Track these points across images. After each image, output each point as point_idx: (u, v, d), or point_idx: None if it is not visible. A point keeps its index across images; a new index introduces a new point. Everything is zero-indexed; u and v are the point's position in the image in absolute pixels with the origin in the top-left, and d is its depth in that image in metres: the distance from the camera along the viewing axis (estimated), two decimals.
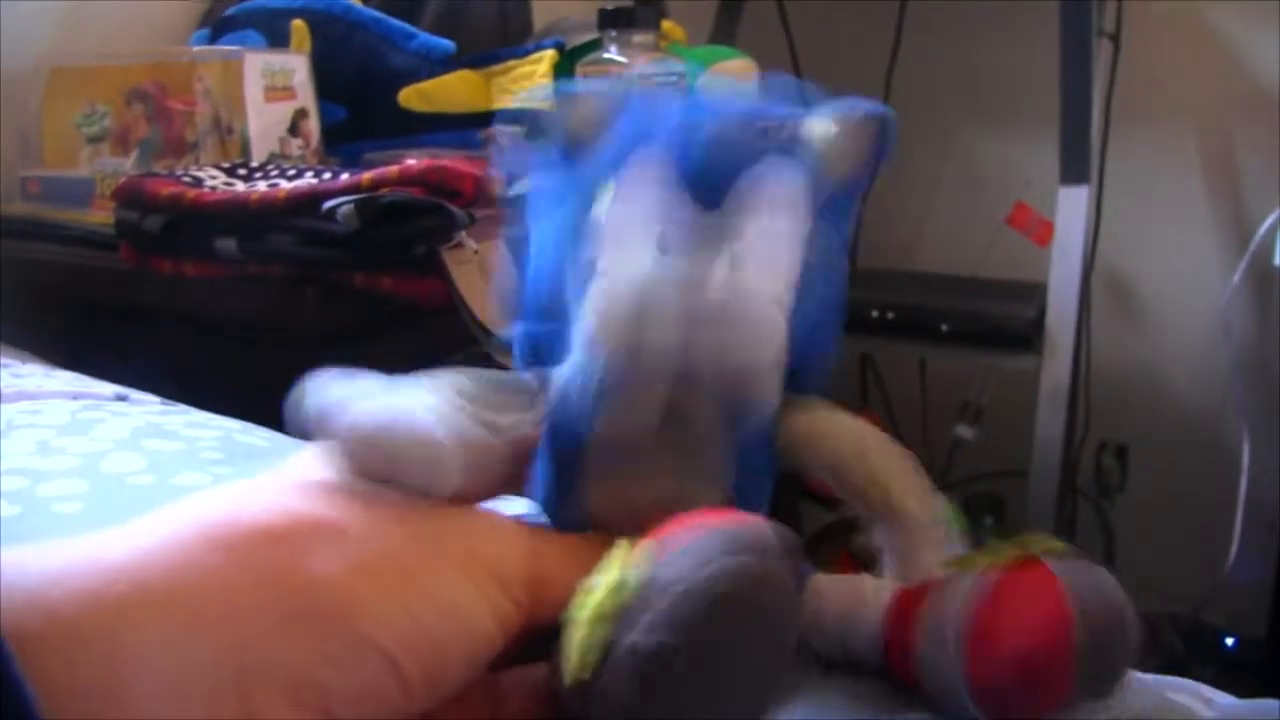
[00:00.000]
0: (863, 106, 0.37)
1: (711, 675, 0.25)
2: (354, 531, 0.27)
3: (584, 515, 0.33)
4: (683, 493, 0.33)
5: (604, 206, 0.34)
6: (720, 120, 0.35)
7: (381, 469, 0.28)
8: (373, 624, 0.25)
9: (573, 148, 0.35)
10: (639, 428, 0.32)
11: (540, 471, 0.33)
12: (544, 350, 0.34)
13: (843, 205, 0.37)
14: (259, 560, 0.25)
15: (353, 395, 0.29)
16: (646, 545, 0.27)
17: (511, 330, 0.36)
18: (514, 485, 0.35)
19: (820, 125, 0.37)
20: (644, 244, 0.33)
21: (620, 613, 0.26)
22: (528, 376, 0.34)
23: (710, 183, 0.34)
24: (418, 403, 0.29)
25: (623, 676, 0.25)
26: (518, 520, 0.32)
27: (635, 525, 0.30)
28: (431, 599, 0.27)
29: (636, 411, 0.32)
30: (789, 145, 0.36)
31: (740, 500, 0.33)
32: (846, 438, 0.36)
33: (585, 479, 0.33)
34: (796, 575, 0.28)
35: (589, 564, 0.28)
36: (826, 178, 0.35)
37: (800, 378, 0.34)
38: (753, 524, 0.27)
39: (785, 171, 0.34)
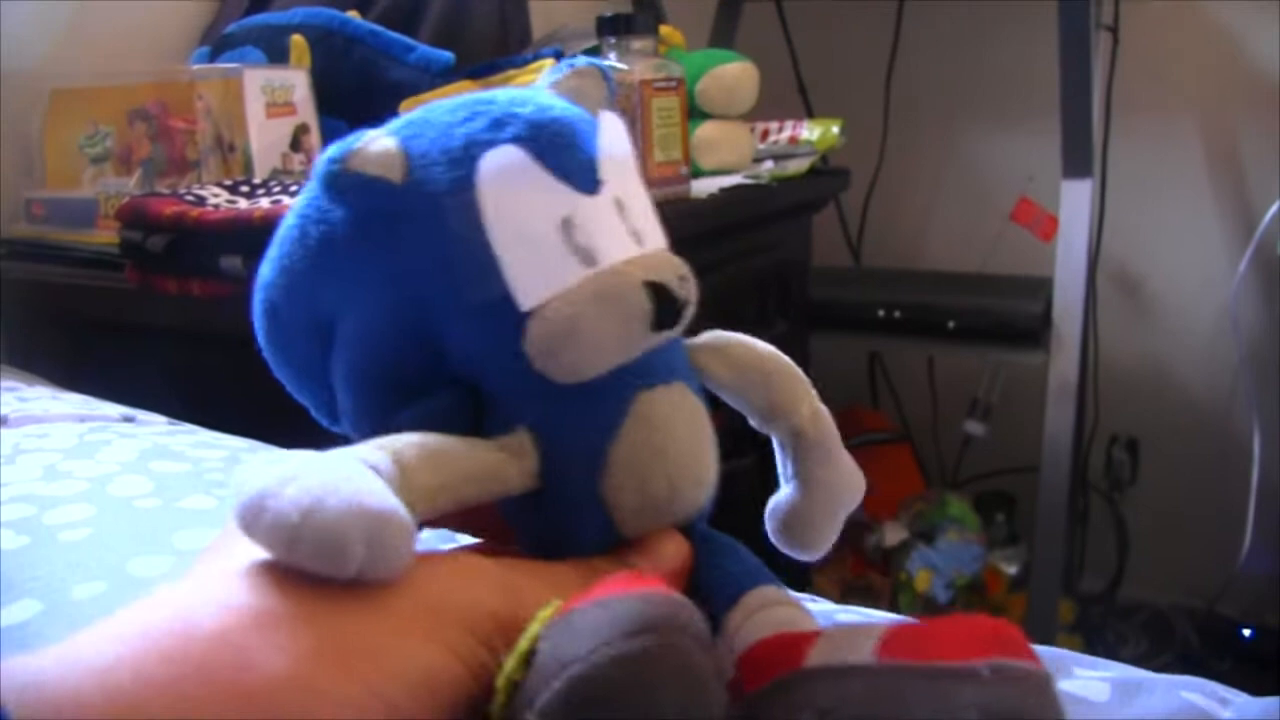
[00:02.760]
0: (584, 62, 0.38)
1: None
2: (306, 616, 0.25)
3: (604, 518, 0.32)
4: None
5: (473, 238, 0.31)
6: (536, 103, 0.34)
7: (321, 564, 0.25)
8: (336, 713, 0.24)
9: (375, 196, 0.31)
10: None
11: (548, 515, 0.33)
12: (437, 424, 0.32)
13: None
14: (210, 667, 0.24)
15: (272, 484, 0.26)
16: (556, 615, 0.26)
17: (355, 429, 0.34)
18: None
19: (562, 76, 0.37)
20: (563, 259, 0.31)
21: (522, 687, 0.25)
22: (488, 447, 0.32)
23: (583, 168, 0.33)
24: (340, 477, 0.26)
25: None
26: (487, 554, 0.30)
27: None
28: (398, 672, 0.25)
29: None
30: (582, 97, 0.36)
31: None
32: (754, 354, 0.37)
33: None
34: (710, 652, 0.26)
35: (569, 591, 0.27)
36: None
37: None
38: (664, 597, 0.26)
39: (616, 126, 0.35)
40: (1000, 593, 1.75)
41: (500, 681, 0.25)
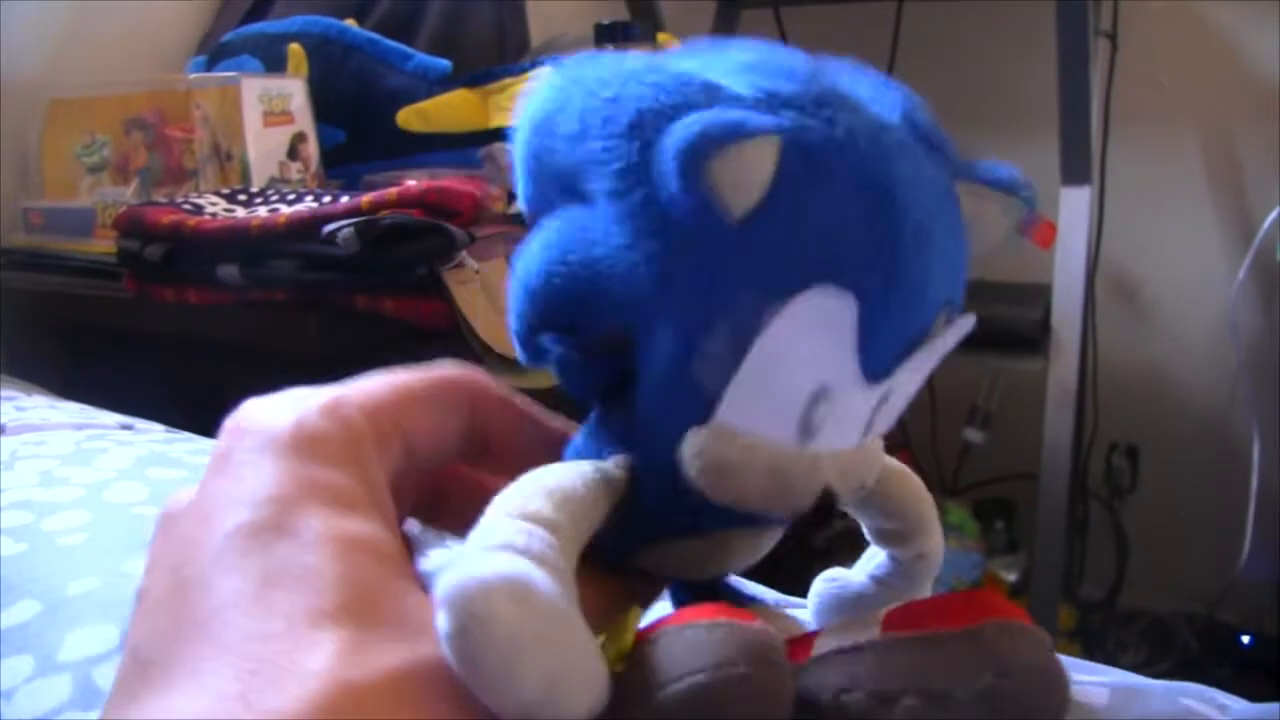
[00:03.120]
0: (1016, 179, 0.32)
1: None
2: None
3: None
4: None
5: (736, 337, 0.25)
6: (931, 243, 0.27)
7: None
8: None
9: (699, 215, 0.25)
10: None
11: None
12: (571, 371, 0.29)
13: None
14: None
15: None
16: (640, 638, 0.26)
17: (517, 304, 0.30)
18: None
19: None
20: (786, 420, 0.27)
21: (623, 679, 0.25)
22: (597, 476, 0.29)
23: (892, 354, 0.27)
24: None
25: None
26: None
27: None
28: None
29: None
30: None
31: None
32: (909, 494, 0.36)
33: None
34: (791, 683, 0.26)
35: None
36: None
37: None
38: (770, 630, 0.26)
39: (966, 328, 0.29)
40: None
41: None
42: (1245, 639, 1.81)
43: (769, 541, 0.32)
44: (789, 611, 0.38)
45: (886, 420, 0.30)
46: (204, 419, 0.71)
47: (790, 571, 0.43)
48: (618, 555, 0.30)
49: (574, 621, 0.24)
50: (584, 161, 0.27)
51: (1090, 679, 0.39)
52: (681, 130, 0.24)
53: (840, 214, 0.25)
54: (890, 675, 0.27)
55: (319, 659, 0.22)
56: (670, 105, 0.26)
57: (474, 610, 0.22)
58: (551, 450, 0.31)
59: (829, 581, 0.38)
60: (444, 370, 0.31)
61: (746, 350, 0.25)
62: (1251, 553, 1.70)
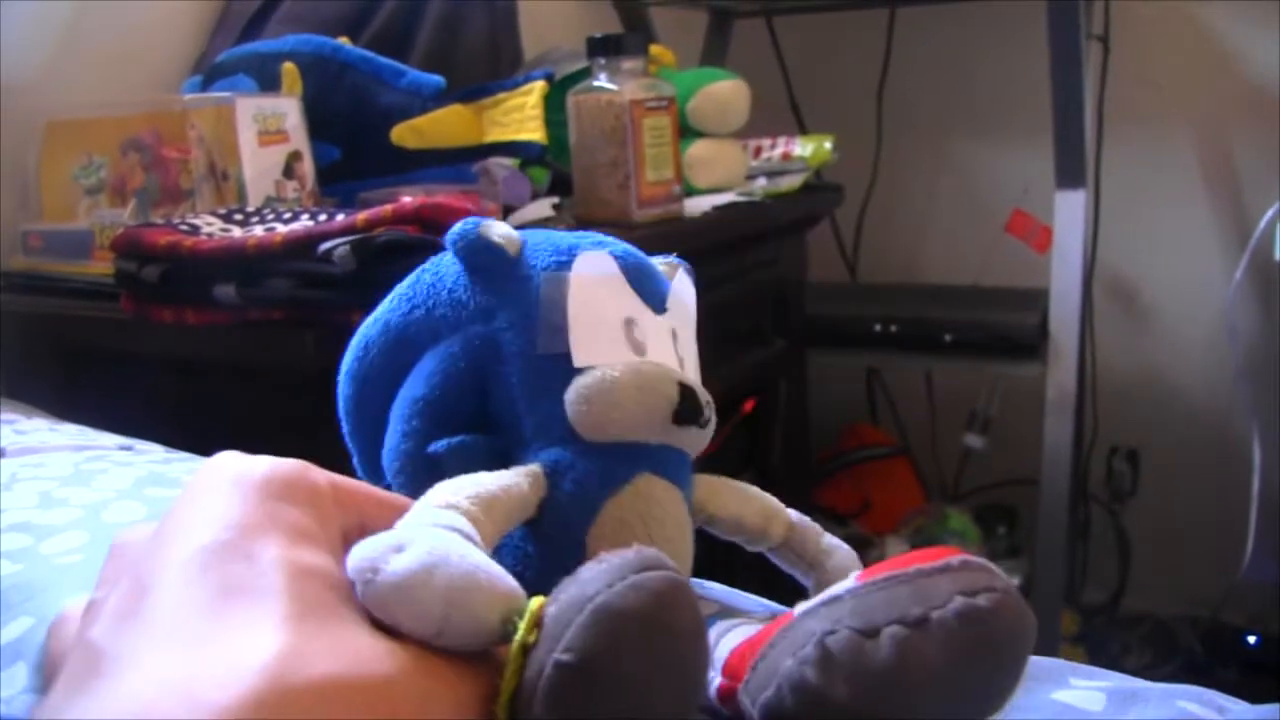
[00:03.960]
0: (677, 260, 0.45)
1: (633, 687, 0.25)
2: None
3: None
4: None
5: (556, 303, 0.38)
6: (636, 257, 0.42)
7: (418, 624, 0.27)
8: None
9: (493, 259, 0.39)
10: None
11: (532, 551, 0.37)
12: (452, 461, 0.37)
13: None
14: None
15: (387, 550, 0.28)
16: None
17: (395, 462, 0.39)
18: None
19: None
20: (619, 343, 0.38)
21: (536, 645, 0.26)
22: (510, 471, 0.36)
23: (656, 294, 0.41)
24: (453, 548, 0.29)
25: (542, 697, 0.25)
26: None
27: None
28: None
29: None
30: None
31: None
32: (733, 496, 0.43)
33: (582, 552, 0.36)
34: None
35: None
36: None
37: None
38: (652, 549, 0.28)
39: (689, 283, 0.43)
40: None
41: (513, 649, 0.26)
42: (1251, 640, 1.81)
43: (683, 510, 0.38)
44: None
45: (690, 366, 0.41)
46: (203, 439, 0.72)
47: (789, 581, 0.44)
48: (573, 555, 0.35)
49: (466, 551, 0.28)
50: (399, 341, 0.41)
51: (1087, 684, 0.39)
52: (450, 236, 0.40)
53: (561, 241, 0.40)
54: (870, 611, 0.29)
55: (259, 658, 0.24)
56: (423, 270, 0.42)
57: (365, 564, 0.27)
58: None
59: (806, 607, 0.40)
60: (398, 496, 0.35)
61: (565, 307, 0.38)
62: (1254, 554, 1.70)
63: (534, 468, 0.36)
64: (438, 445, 0.37)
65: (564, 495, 0.36)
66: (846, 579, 0.32)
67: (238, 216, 0.93)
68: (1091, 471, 1.93)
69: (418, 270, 0.42)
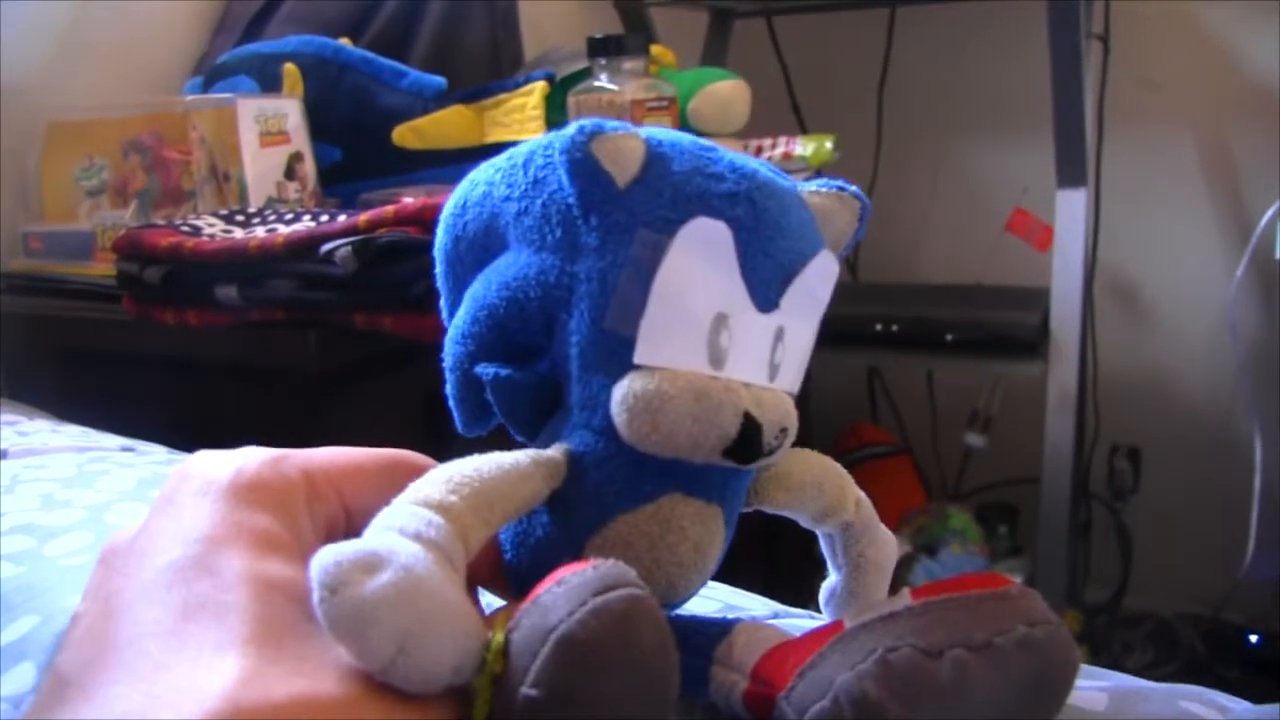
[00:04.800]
0: (848, 186, 0.37)
1: (604, 712, 0.25)
2: None
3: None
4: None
5: (640, 276, 0.31)
6: (782, 200, 0.34)
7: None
8: None
9: (593, 187, 0.32)
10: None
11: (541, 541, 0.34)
12: (504, 391, 0.34)
13: None
14: None
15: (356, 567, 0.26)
16: (522, 606, 0.27)
17: (451, 356, 0.35)
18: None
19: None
20: (696, 347, 0.32)
21: (505, 675, 0.25)
22: (526, 461, 0.32)
23: (773, 283, 0.33)
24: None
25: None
26: None
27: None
28: None
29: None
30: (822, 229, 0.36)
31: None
32: (805, 468, 0.38)
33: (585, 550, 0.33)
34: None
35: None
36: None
37: None
38: (611, 563, 0.27)
39: (832, 267, 0.35)
40: None
41: (480, 681, 0.26)
42: (1253, 639, 1.81)
43: (715, 526, 0.34)
44: (781, 623, 0.39)
45: (790, 369, 0.35)
46: (205, 439, 0.72)
47: (790, 579, 0.43)
48: (569, 557, 0.31)
49: (435, 588, 0.25)
50: (492, 219, 0.35)
51: (1089, 684, 0.39)
52: (563, 136, 0.32)
53: (696, 174, 0.33)
54: (934, 631, 0.29)
55: (217, 683, 0.24)
56: (539, 151, 0.34)
57: (326, 580, 0.24)
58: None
59: (827, 591, 0.40)
60: (395, 451, 0.33)
61: (650, 284, 0.31)
62: (1256, 552, 1.70)
63: (556, 456, 0.32)
64: (485, 370, 0.33)
65: (577, 493, 0.33)
66: (900, 595, 0.31)
67: (239, 218, 0.93)
68: (1093, 470, 1.93)
69: (537, 146, 0.34)
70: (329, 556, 0.25)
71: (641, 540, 0.33)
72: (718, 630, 0.34)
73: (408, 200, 0.84)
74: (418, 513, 0.28)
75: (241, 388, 0.93)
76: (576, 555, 0.32)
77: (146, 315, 0.89)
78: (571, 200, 0.32)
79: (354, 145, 1.12)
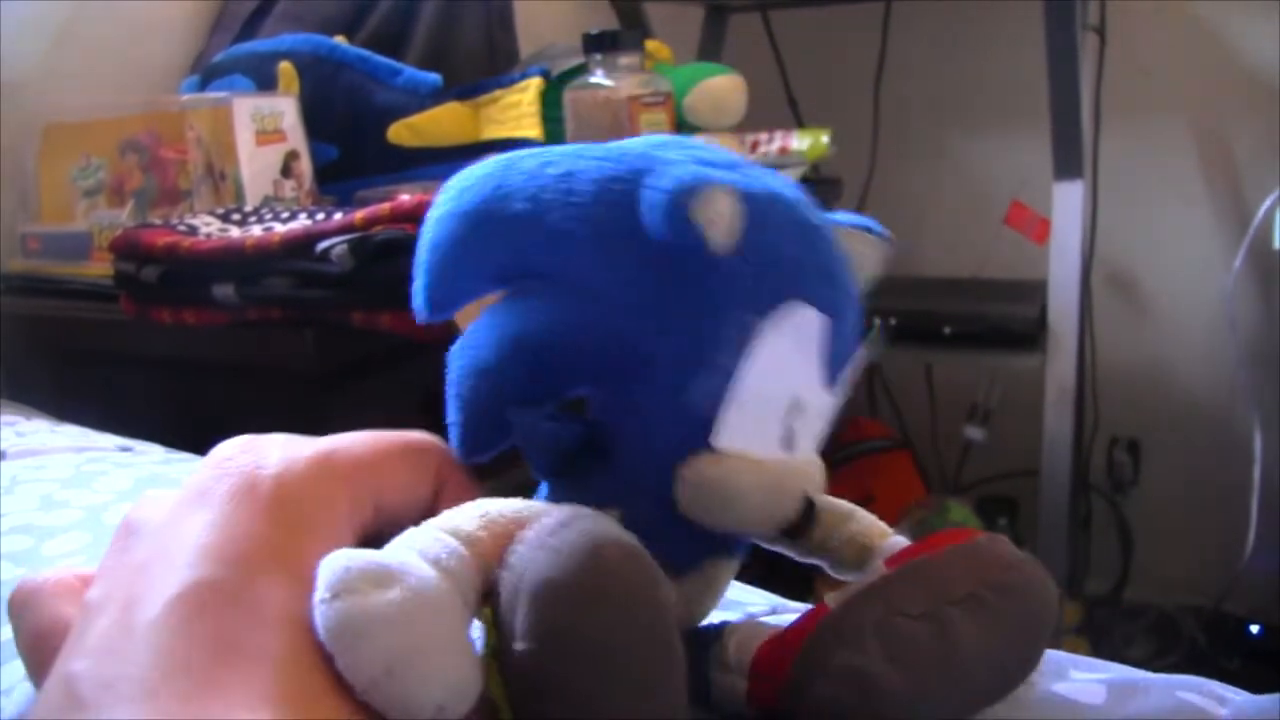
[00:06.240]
0: (875, 226, 0.37)
1: (601, 645, 0.24)
2: None
3: None
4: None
5: (731, 358, 0.29)
6: (851, 270, 0.33)
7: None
8: None
9: (690, 250, 0.28)
10: None
11: None
12: (543, 440, 0.31)
13: None
14: None
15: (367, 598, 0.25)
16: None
17: (469, 389, 0.32)
18: None
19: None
20: (772, 431, 0.31)
21: (500, 636, 0.25)
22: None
23: (842, 362, 0.32)
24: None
25: (525, 692, 0.25)
26: None
27: None
28: None
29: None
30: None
31: None
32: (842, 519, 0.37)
33: None
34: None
35: None
36: None
37: None
38: (580, 508, 0.26)
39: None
40: None
41: (485, 656, 0.26)
42: (1254, 630, 1.81)
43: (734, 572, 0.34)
44: (779, 617, 0.39)
45: (820, 432, 0.33)
46: (203, 439, 0.72)
47: (789, 572, 0.43)
48: None
49: (438, 617, 0.24)
50: (547, 234, 0.30)
51: (1087, 675, 0.39)
52: (659, 182, 0.28)
53: (792, 246, 0.31)
54: (914, 594, 0.30)
55: None
56: (627, 171, 0.30)
57: (331, 583, 0.24)
58: None
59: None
60: (417, 435, 0.32)
61: (741, 368, 0.29)
62: (1256, 544, 1.70)
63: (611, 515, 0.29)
64: (525, 416, 0.30)
65: None
66: (874, 567, 0.32)
67: (236, 216, 0.93)
68: (1092, 462, 1.93)
69: (612, 169, 0.30)
70: (340, 561, 0.25)
71: (680, 600, 0.31)
72: (708, 638, 0.34)
73: (404, 197, 0.84)
74: (442, 539, 0.27)
75: (239, 386, 0.93)
76: None
77: (144, 315, 0.89)
78: (661, 255, 0.29)
79: (350, 143, 1.12)
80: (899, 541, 0.35)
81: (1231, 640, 1.82)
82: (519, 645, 0.24)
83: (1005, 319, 1.58)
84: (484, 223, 0.32)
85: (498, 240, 0.31)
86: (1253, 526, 1.70)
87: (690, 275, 0.29)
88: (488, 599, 0.27)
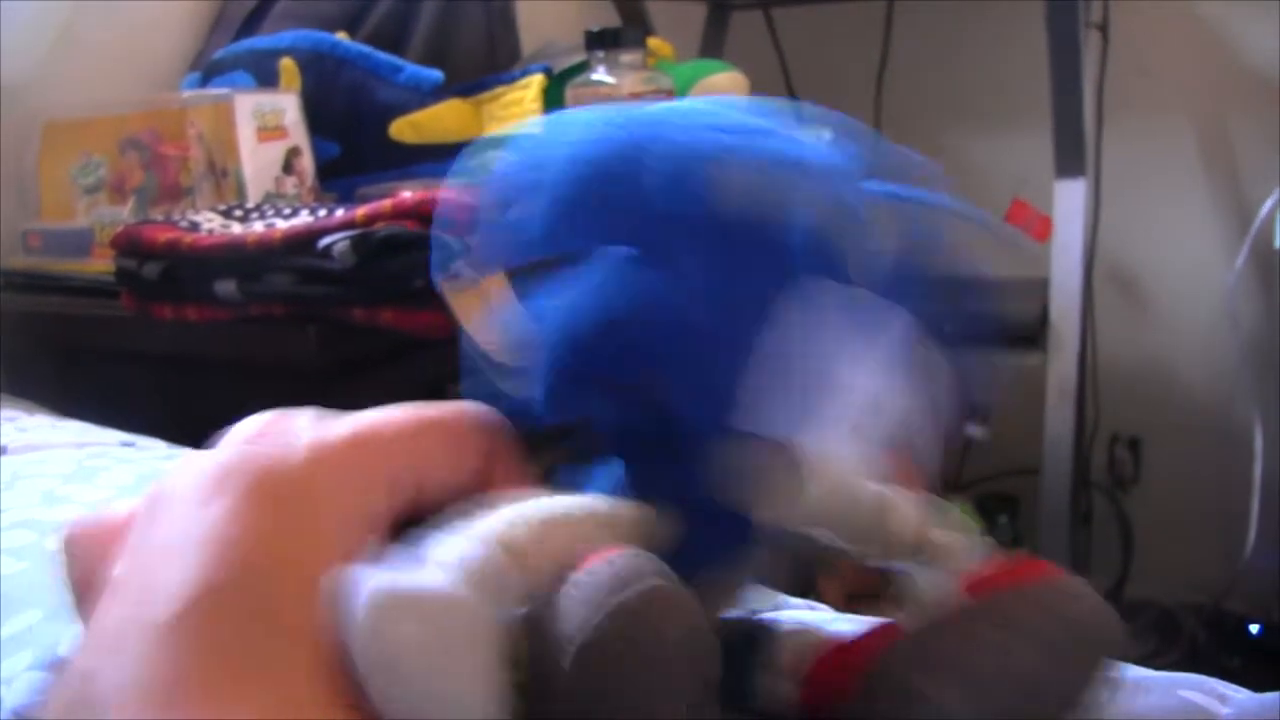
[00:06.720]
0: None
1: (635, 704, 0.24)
2: None
3: None
4: None
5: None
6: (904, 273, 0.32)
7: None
8: None
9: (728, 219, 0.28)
10: None
11: None
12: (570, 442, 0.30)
13: None
14: None
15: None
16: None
17: (561, 360, 0.29)
18: None
19: None
20: (849, 427, 0.30)
21: (530, 683, 0.24)
22: (603, 511, 0.28)
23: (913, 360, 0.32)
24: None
25: None
26: None
27: None
28: None
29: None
30: None
31: None
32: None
33: None
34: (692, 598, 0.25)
35: None
36: None
37: None
38: (622, 551, 0.25)
39: None
40: None
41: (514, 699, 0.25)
42: (1254, 628, 1.81)
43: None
44: (780, 614, 0.38)
45: None
46: (204, 435, 0.72)
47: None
48: None
49: (473, 646, 0.24)
50: (677, 217, 0.29)
51: None
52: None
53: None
54: (985, 622, 0.29)
55: None
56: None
57: (359, 607, 0.23)
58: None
59: None
60: (463, 409, 0.30)
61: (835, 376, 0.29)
62: (1257, 541, 1.70)
63: (639, 511, 0.29)
64: (569, 415, 0.30)
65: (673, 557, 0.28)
66: (944, 586, 0.31)
67: (237, 213, 0.93)
68: (1093, 460, 1.93)
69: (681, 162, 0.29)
70: (384, 580, 0.23)
71: (727, 592, 0.32)
72: (750, 632, 0.33)
73: (405, 194, 0.84)
74: (493, 559, 0.25)
75: (241, 383, 0.93)
76: None
77: (146, 311, 0.89)
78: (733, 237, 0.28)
79: (351, 140, 1.12)
80: (950, 540, 0.34)
81: (1232, 638, 1.82)
82: (559, 704, 0.24)
83: (1006, 317, 1.58)
84: (616, 181, 0.30)
85: (612, 204, 0.30)
86: (1253, 524, 1.70)
87: (758, 260, 0.29)
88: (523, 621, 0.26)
